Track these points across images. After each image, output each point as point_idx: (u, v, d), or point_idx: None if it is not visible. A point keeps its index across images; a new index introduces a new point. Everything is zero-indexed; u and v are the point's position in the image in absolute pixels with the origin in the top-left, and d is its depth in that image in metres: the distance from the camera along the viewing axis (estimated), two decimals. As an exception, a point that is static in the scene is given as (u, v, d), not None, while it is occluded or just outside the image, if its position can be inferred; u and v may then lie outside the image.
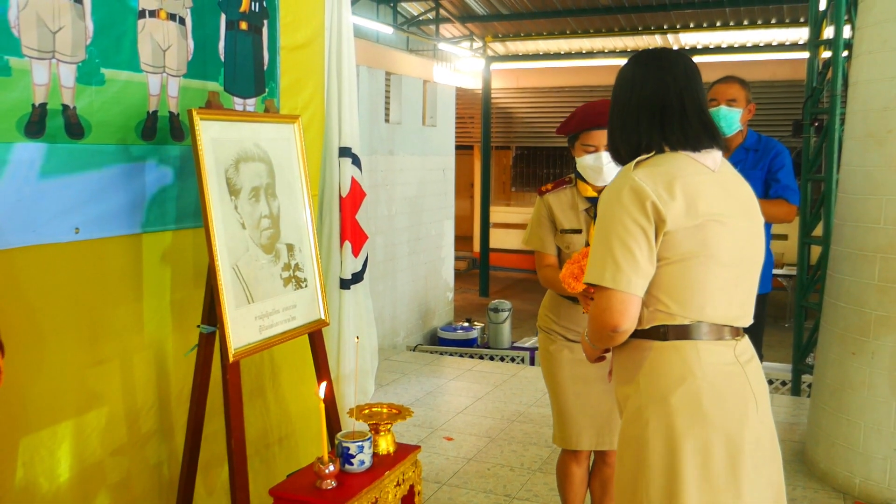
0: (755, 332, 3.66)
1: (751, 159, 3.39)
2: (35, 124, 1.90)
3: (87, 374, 2.10)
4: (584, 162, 2.44)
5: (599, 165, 2.40)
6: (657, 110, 1.67)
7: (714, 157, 1.67)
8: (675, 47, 10.95)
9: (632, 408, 1.67)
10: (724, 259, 1.61)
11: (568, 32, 10.94)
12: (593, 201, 2.45)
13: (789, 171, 3.35)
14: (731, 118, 3.33)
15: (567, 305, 2.51)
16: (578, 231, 2.48)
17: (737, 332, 1.67)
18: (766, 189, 3.36)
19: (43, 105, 1.91)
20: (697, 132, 1.66)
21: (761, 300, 3.50)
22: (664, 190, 1.57)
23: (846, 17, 4.85)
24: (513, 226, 14.41)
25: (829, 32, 5.16)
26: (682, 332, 1.61)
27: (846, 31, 4.85)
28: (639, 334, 1.66)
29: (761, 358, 3.57)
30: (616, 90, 1.76)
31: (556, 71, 12.25)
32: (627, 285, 1.56)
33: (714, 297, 1.61)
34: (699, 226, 1.58)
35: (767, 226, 3.45)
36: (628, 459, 1.68)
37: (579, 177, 2.50)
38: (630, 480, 1.66)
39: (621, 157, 1.75)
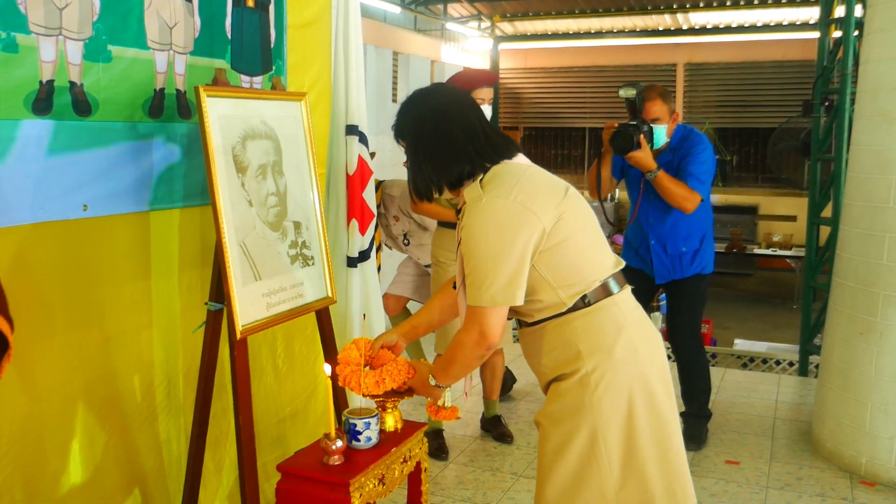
0: (694, 311, 3.71)
1: (676, 159, 3.45)
2: (42, 101, 1.90)
3: (95, 350, 2.12)
4: None
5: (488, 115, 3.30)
6: (467, 138, 1.78)
7: (522, 159, 1.83)
8: (685, 27, 10.84)
9: (575, 378, 1.74)
10: (586, 225, 1.78)
11: (577, 12, 10.84)
12: None
13: (700, 163, 3.36)
14: (657, 136, 3.38)
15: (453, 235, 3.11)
16: None
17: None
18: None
19: (50, 82, 1.91)
20: (506, 144, 1.82)
21: (704, 280, 3.53)
22: (530, 199, 1.69)
23: (858, -4, 4.79)
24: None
25: (840, 11, 5.10)
26: (599, 294, 1.75)
27: (857, 10, 4.79)
28: (561, 314, 1.76)
29: (704, 339, 3.63)
30: (417, 133, 1.82)
31: (564, 51, 12.15)
32: (504, 300, 1.68)
33: (600, 254, 1.79)
34: (560, 214, 1.71)
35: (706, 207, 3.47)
36: (574, 428, 1.73)
37: None
38: (581, 449, 1.72)
39: (439, 190, 1.83)
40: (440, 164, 1.79)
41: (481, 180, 1.76)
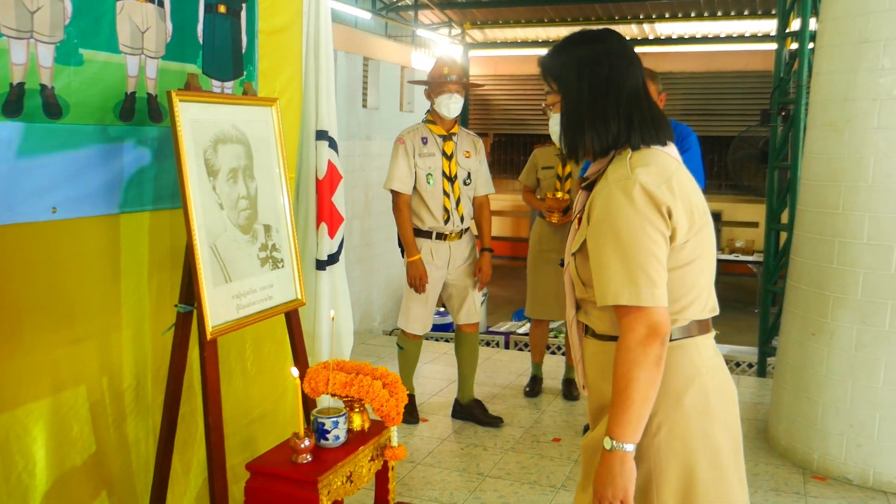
0: None
1: None
2: (13, 104, 1.91)
3: (63, 352, 2.12)
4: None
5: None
6: (633, 102, 1.57)
7: (674, 151, 1.62)
8: (651, 37, 11.05)
9: None
10: (710, 256, 1.60)
11: (546, 20, 10.99)
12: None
13: (692, 155, 3.42)
14: None
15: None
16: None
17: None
18: None
19: (21, 84, 1.93)
20: (665, 128, 1.60)
21: None
22: (670, 195, 1.49)
23: (812, 10, 4.96)
24: (492, 212, 14.43)
25: (796, 24, 5.27)
26: (683, 332, 1.57)
27: (812, 23, 4.96)
28: None
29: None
30: (585, 77, 1.60)
31: (533, 59, 12.29)
32: (663, 300, 1.47)
33: (704, 293, 1.60)
34: (697, 231, 1.54)
35: None
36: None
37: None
38: (637, 491, 1.56)
39: (583, 153, 1.62)
40: (596, 127, 1.57)
41: (630, 157, 1.54)
